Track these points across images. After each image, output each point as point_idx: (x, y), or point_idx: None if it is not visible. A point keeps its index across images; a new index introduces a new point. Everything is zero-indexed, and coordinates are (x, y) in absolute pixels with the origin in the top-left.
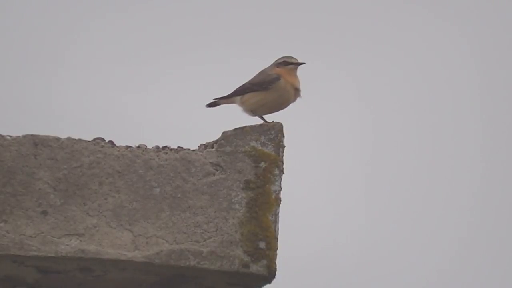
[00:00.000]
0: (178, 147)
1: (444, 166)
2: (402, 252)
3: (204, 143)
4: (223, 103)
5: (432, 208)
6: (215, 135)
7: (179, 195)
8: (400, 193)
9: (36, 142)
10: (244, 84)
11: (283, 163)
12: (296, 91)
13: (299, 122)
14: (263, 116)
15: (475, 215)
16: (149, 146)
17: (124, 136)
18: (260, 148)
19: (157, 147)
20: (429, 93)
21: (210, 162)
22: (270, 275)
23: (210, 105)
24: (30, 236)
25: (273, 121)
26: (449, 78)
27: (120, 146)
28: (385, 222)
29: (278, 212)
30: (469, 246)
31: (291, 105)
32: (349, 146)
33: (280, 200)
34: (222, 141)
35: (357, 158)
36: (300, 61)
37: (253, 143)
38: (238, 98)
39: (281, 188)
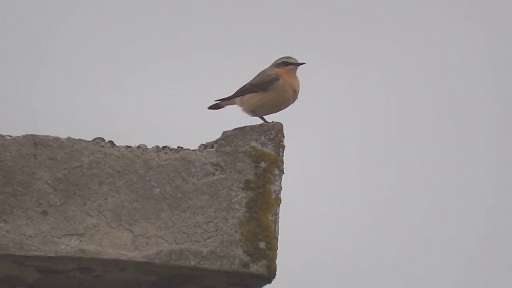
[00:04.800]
0: (178, 147)
1: (453, 170)
2: (402, 248)
3: (204, 143)
4: (224, 105)
5: (439, 210)
6: (215, 135)
7: (179, 195)
8: (400, 192)
9: (36, 142)
10: (244, 85)
11: (283, 163)
12: (294, 93)
13: (299, 122)
14: (263, 116)
15: (485, 230)
16: (149, 146)
17: (124, 136)
18: (260, 148)
19: (157, 147)
20: (438, 93)
21: (210, 162)
22: (270, 275)
23: (212, 107)
24: (30, 236)
25: (273, 121)
26: (463, 75)
27: (120, 146)
28: (385, 223)
29: (278, 212)
30: (479, 263)
31: (291, 105)
32: (350, 145)
33: (280, 200)
34: (222, 141)
35: (358, 157)
36: (299, 61)
37: (253, 143)
38: (238, 99)
39: (281, 188)
